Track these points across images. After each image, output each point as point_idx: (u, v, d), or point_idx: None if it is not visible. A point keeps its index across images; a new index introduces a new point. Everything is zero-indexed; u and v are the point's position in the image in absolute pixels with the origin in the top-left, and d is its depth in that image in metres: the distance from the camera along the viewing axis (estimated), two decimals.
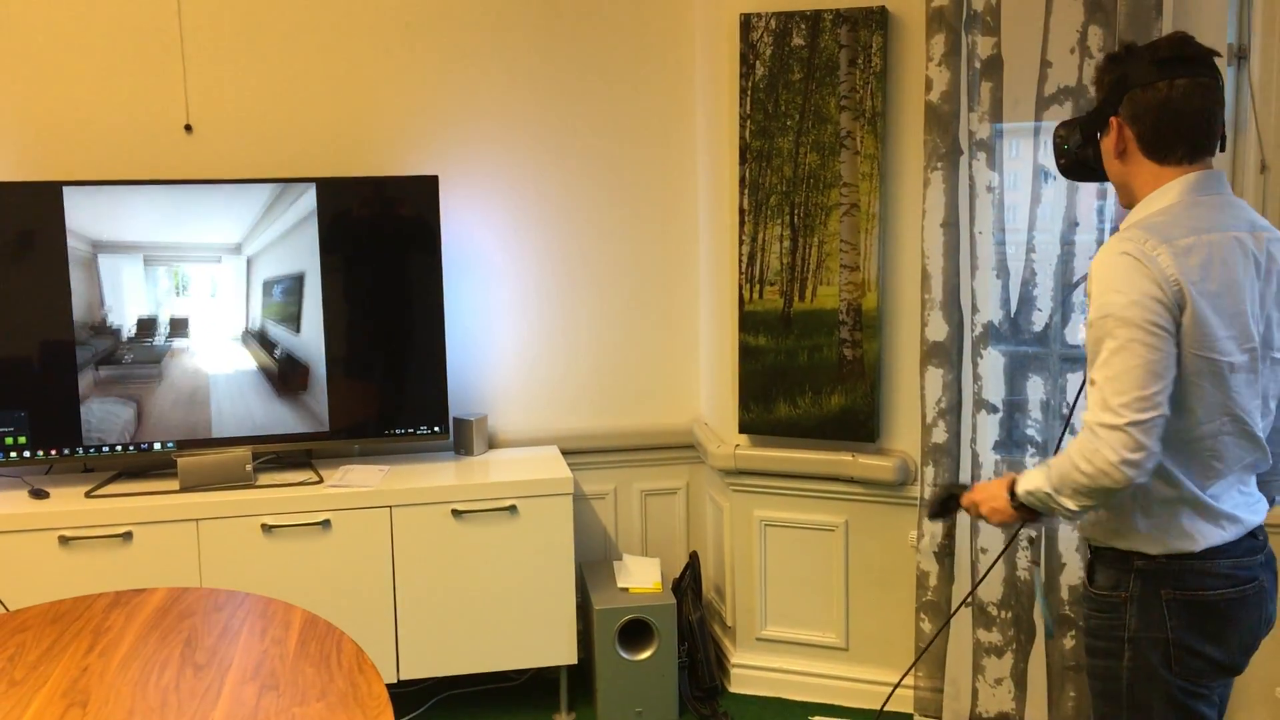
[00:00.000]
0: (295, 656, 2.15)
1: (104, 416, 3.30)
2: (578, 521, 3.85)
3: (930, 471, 3.27)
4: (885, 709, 3.49)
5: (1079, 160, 2.08)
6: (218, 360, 3.36)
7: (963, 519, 3.24)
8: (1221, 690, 2.03)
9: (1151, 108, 1.91)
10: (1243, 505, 1.95)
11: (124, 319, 3.29)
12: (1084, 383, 2.04)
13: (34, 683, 2.05)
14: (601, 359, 3.88)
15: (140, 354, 3.31)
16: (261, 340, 3.39)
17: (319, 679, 2.05)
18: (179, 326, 3.33)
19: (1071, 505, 1.90)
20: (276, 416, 3.41)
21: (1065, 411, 3.10)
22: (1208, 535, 1.90)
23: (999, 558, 3.16)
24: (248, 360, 3.38)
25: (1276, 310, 1.93)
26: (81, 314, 3.26)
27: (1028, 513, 2.02)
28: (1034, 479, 1.97)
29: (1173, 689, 1.93)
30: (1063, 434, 2.77)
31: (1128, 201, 2.02)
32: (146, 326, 3.31)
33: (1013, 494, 2.01)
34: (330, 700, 1.96)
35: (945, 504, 2.25)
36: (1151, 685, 1.94)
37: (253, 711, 1.92)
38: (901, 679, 3.26)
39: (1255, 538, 1.97)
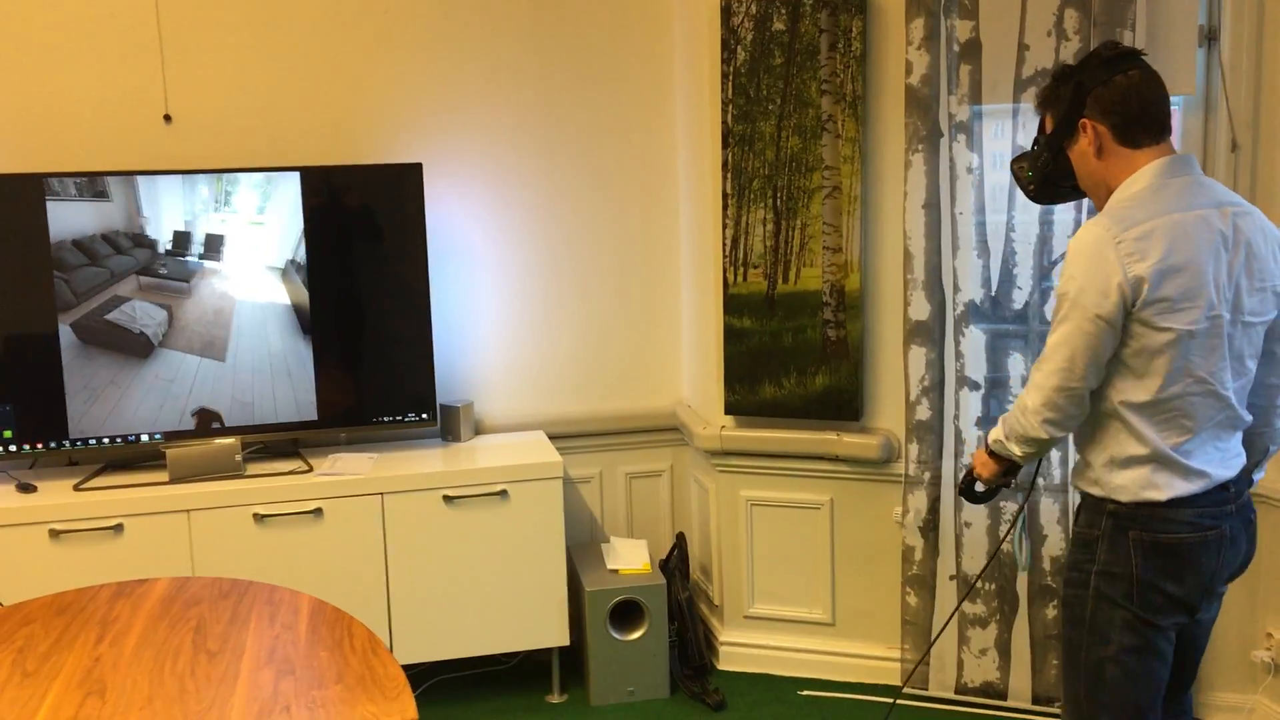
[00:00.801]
0: (308, 641, 2.17)
1: (144, 313, 3.30)
2: (564, 505, 3.88)
3: (915, 449, 3.33)
4: (871, 682, 3.57)
5: (1048, 178, 2.27)
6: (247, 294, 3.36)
7: (946, 497, 3.32)
8: (1200, 630, 2.25)
9: (1118, 99, 2.12)
10: (1215, 461, 2.11)
11: (161, 233, 3.29)
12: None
13: (47, 673, 2.06)
14: (584, 344, 3.91)
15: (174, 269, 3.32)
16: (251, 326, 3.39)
17: (334, 662, 2.07)
18: (212, 243, 3.32)
19: (1018, 451, 2.22)
20: (273, 399, 3.42)
21: None
22: (1174, 487, 2.08)
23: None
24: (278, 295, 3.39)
25: (1245, 278, 2.09)
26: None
27: (1003, 462, 2.30)
28: (996, 430, 2.28)
29: (1132, 619, 2.12)
30: None
31: (1104, 201, 2.19)
32: (181, 240, 3.31)
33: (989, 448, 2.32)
34: (348, 682, 1.98)
35: (967, 483, 2.47)
36: (1113, 613, 2.13)
37: (272, 695, 1.94)
38: (925, 654, 3.33)
39: (1226, 490, 2.12)
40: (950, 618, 3.21)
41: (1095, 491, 2.16)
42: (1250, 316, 2.11)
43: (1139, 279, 2.00)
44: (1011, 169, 2.39)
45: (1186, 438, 2.08)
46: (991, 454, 2.32)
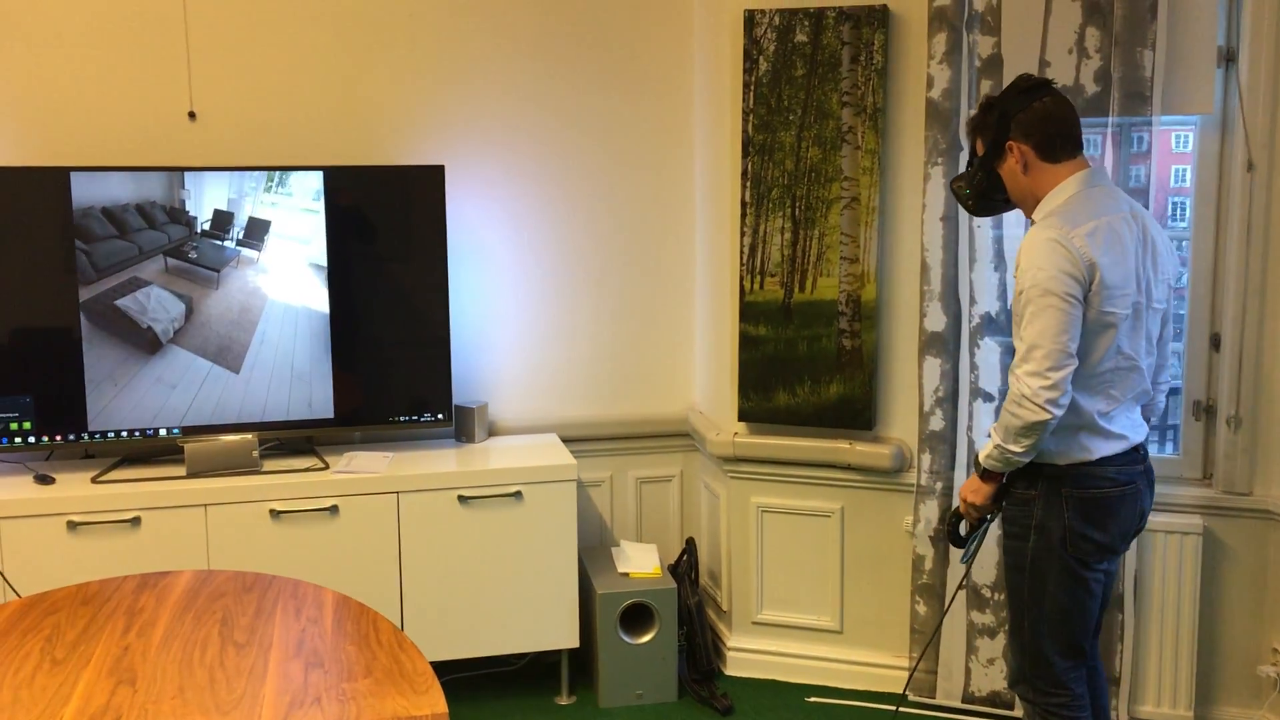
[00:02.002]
0: (334, 635, 2.19)
1: (158, 304, 3.31)
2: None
3: (927, 459, 3.36)
4: (879, 690, 3.59)
5: (982, 194, 2.59)
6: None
7: None
8: (1109, 567, 2.61)
9: (1037, 121, 2.47)
10: (1130, 426, 2.52)
11: (201, 210, 3.31)
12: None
13: (76, 662, 2.08)
14: (599, 348, 3.94)
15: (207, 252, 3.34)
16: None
17: (362, 656, 2.09)
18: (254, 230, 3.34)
19: (1017, 449, 2.44)
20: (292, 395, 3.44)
21: None
22: (1101, 449, 2.46)
23: (972, 543, 3.18)
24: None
25: (1153, 271, 2.49)
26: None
27: (996, 479, 2.56)
28: (986, 447, 2.52)
29: (1067, 563, 2.49)
30: None
31: (1032, 210, 2.53)
32: (223, 220, 3.32)
33: (981, 473, 2.57)
34: (377, 676, 2.01)
35: (954, 524, 2.72)
36: (1049, 560, 2.50)
37: (302, 687, 1.96)
38: (920, 658, 3.34)
39: (1137, 452, 2.53)
40: (940, 621, 3.23)
41: (1034, 459, 2.47)
42: (1156, 304, 2.51)
43: (1093, 265, 2.35)
44: (951, 187, 2.72)
45: (1113, 406, 2.46)
46: (985, 476, 2.57)
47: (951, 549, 3.26)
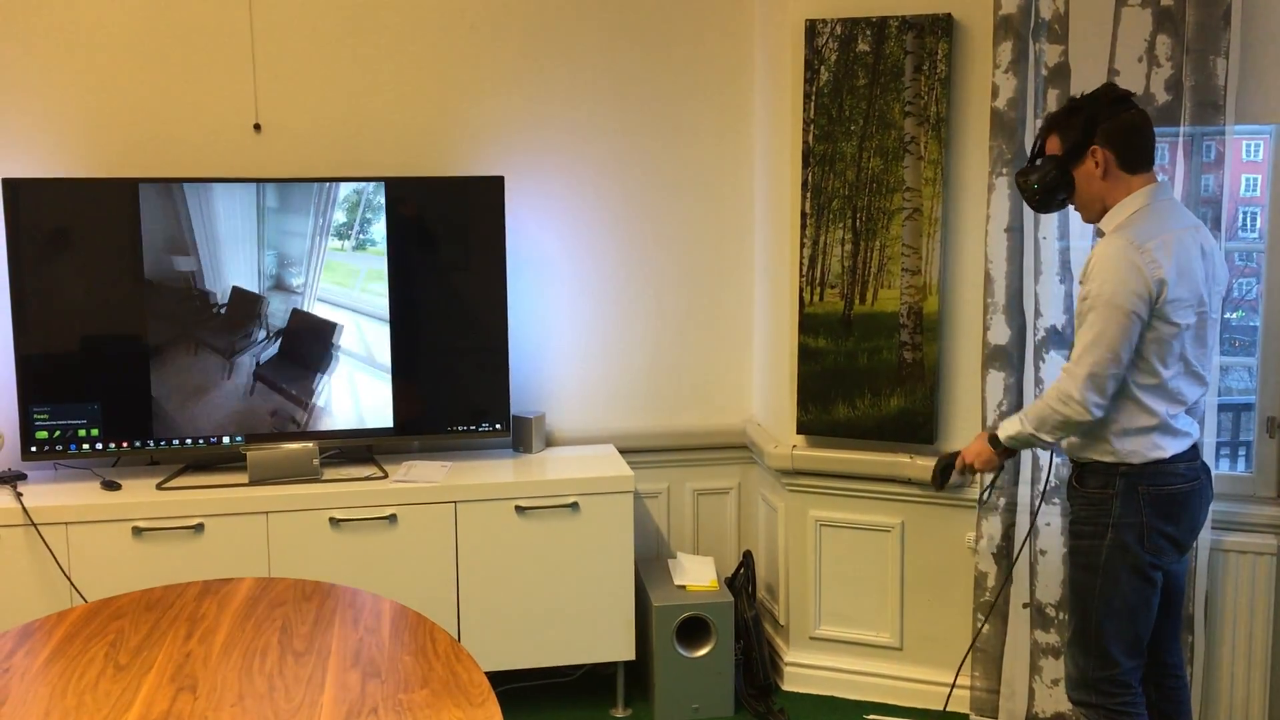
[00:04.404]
0: (391, 645, 2.19)
1: None
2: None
3: (989, 474, 3.30)
4: (939, 709, 3.53)
5: (1049, 190, 2.63)
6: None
7: (1021, 523, 3.28)
8: (1178, 566, 2.71)
9: (1123, 131, 2.55)
10: (1190, 425, 2.63)
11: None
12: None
13: (139, 668, 2.11)
14: (656, 359, 3.93)
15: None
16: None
17: (419, 667, 2.09)
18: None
19: (1048, 438, 2.61)
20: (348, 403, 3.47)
21: None
22: (1172, 447, 2.56)
23: (986, 491, 3.34)
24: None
25: (1212, 283, 2.58)
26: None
27: (1007, 454, 2.77)
28: (1012, 425, 2.67)
29: (1139, 562, 2.57)
30: None
31: (1095, 216, 2.62)
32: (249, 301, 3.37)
33: (994, 441, 2.73)
34: (434, 687, 2.01)
35: (945, 471, 2.89)
36: (1123, 558, 2.57)
37: (359, 697, 1.97)
38: (958, 674, 3.28)
39: (1196, 448, 2.64)
40: (975, 637, 3.17)
41: (1107, 458, 2.58)
42: (1213, 314, 2.61)
43: (1161, 281, 2.45)
44: (1016, 180, 2.74)
45: (1179, 409, 2.58)
46: (997, 448, 2.74)
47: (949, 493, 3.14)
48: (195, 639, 2.24)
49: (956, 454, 2.86)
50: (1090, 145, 2.56)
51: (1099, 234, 2.64)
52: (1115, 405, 2.54)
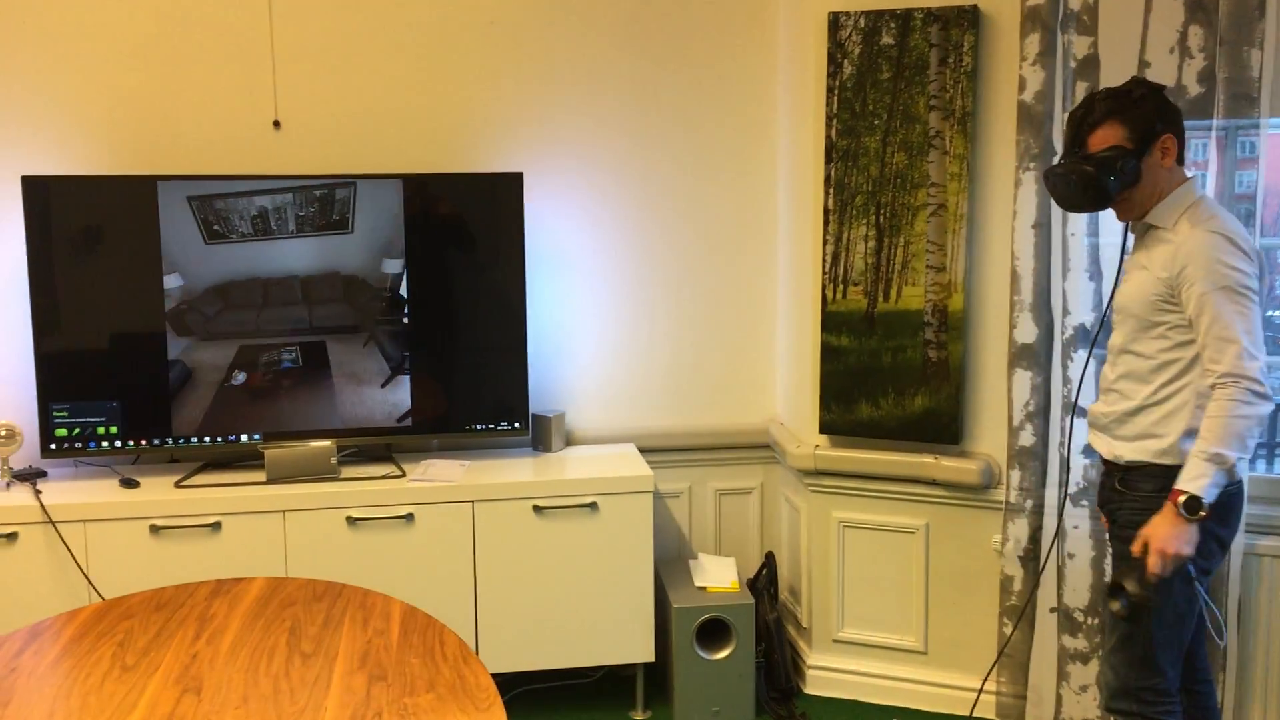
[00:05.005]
0: (399, 647, 2.16)
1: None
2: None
3: (1016, 475, 3.23)
4: (963, 714, 3.46)
5: (1128, 183, 2.46)
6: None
7: (1049, 526, 3.21)
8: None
9: (1178, 124, 2.48)
10: None
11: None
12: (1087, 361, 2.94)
13: (145, 669, 2.09)
14: (678, 358, 3.88)
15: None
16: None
17: (426, 670, 2.06)
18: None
19: (1245, 452, 2.34)
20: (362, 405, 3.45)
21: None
22: None
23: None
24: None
25: None
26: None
27: (1199, 515, 2.35)
28: (1201, 469, 2.33)
29: (1189, 568, 2.42)
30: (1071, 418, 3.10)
31: (1141, 211, 2.50)
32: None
33: (1190, 507, 2.32)
34: (440, 691, 1.97)
35: (1118, 590, 2.43)
36: (1179, 565, 2.40)
37: (364, 700, 1.94)
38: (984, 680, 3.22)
39: None
40: (1005, 644, 3.10)
41: (1168, 460, 2.46)
42: None
43: (1262, 261, 2.43)
44: (1083, 174, 2.46)
45: None
46: (1191, 510, 2.32)
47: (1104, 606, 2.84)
48: (203, 639, 2.22)
49: (1129, 565, 2.43)
50: (1163, 133, 2.45)
51: (1137, 230, 2.56)
52: (1183, 404, 2.45)
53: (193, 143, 3.52)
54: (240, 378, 3.38)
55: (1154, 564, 2.35)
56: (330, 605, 2.39)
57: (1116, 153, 2.45)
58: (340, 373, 3.43)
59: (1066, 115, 2.62)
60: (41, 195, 3.24)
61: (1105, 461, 2.64)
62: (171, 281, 3.31)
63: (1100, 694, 2.68)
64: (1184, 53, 2.93)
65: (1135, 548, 2.42)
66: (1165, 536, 2.34)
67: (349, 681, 2.02)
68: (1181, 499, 2.32)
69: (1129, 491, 2.55)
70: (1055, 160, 3.00)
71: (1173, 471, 2.44)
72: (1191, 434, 2.44)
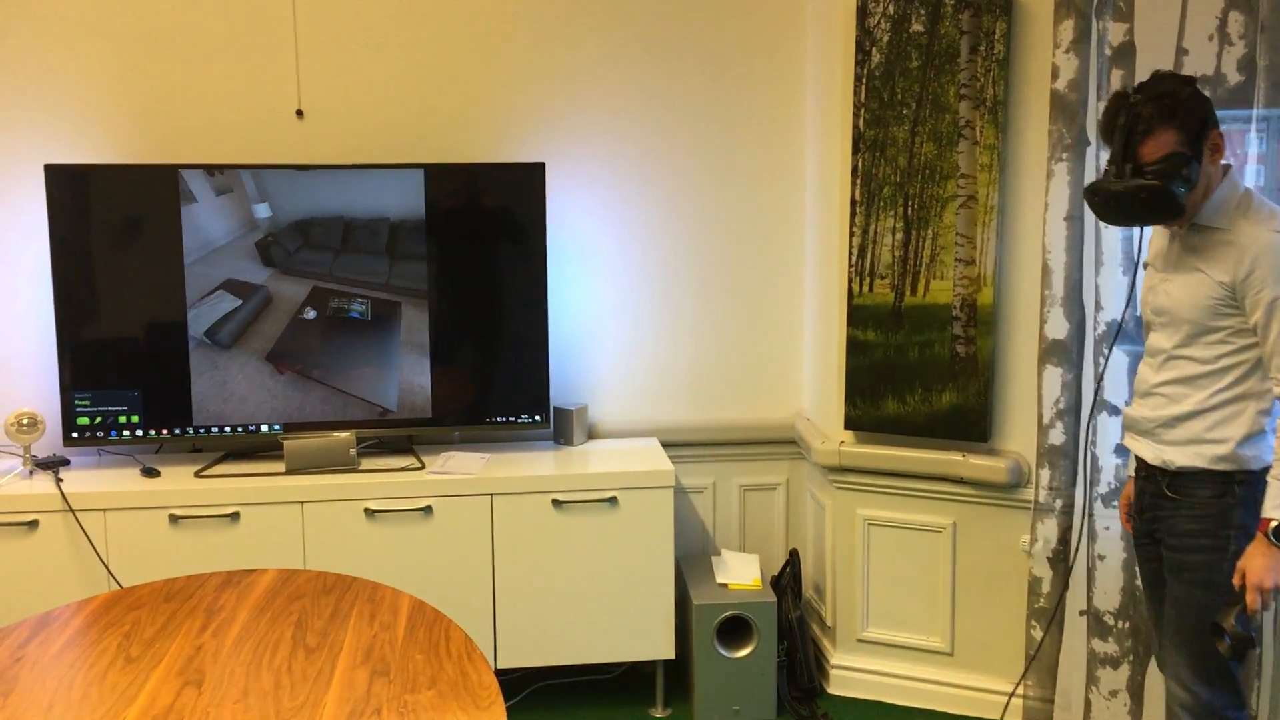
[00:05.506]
0: (404, 643, 2.13)
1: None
2: (674, 515, 3.81)
3: (1046, 474, 3.15)
4: (990, 717, 3.39)
5: (1190, 186, 2.32)
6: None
7: (1079, 526, 3.13)
8: None
9: (1216, 117, 2.35)
10: None
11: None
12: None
13: (149, 661, 2.07)
14: (703, 351, 3.83)
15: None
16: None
17: (429, 666, 2.03)
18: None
19: None
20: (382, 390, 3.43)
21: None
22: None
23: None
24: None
25: None
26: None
27: None
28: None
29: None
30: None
31: (1193, 213, 2.36)
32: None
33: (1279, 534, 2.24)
34: (441, 688, 1.94)
35: (1216, 630, 2.30)
36: (1232, 567, 2.35)
37: (364, 696, 1.91)
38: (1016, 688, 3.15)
39: None
40: (1037, 650, 3.01)
41: (1226, 466, 2.36)
42: None
43: None
44: (1151, 189, 2.29)
45: None
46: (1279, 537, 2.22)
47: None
48: (209, 631, 2.20)
49: (1221, 616, 2.31)
50: (1211, 129, 2.33)
51: (1177, 230, 2.43)
52: (1243, 408, 2.35)
53: (216, 131, 3.52)
54: (310, 314, 3.37)
55: (1253, 601, 2.24)
56: (339, 598, 2.36)
57: (1178, 159, 2.31)
58: (361, 363, 3.42)
59: (1101, 119, 2.42)
60: (65, 184, 3.25)
61: (1148, 466, 2.51)
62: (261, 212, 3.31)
63: (1170, 708, 2.51)
64: (1223, 39, 2.84)
65: (1236, 581, 2.30)
66: (1261, 569, 2.24)
67: (350, 677, 1.99)
68: (1271, 525, 2.22)
69: (1181, 499, 2.44)
70: (1104, 172, 2.71)
71: (1231, 478, 2.36)
72: (1250, 440, 2.34)
